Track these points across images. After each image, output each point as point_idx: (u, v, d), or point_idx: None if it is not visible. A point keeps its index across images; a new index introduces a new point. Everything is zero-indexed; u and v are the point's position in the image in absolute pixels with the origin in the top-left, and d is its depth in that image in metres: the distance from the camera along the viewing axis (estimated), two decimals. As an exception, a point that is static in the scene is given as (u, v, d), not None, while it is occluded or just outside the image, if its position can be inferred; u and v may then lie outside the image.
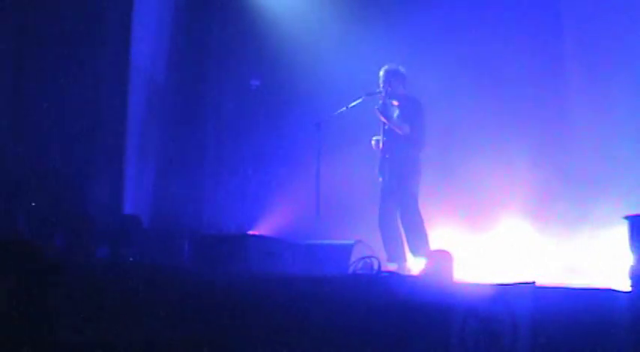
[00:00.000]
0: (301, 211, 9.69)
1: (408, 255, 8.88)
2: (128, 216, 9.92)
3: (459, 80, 10.22)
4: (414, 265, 8.63)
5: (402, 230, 8.95)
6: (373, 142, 9.12)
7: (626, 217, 5.69)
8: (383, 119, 8.90)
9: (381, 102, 8.98)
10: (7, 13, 9.79)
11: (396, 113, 8.99)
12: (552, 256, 9.05)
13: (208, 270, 7.78)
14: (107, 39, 10.52)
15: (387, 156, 9.00)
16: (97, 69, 10.34)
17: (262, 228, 10.56)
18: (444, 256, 6.97)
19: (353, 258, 7.85)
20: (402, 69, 9.11)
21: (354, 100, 9.18)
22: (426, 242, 8.83)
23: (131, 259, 8.79)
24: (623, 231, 5.79)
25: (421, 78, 9.47)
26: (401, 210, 8.94)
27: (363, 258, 7.60)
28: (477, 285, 6.03)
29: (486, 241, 9.67)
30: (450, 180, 10.04)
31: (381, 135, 9.03)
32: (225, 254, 7.86)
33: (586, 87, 9.82)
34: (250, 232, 10.21)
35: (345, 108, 9.22)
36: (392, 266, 8.58)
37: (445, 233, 9.66)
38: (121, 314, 6.46)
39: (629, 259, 5.57)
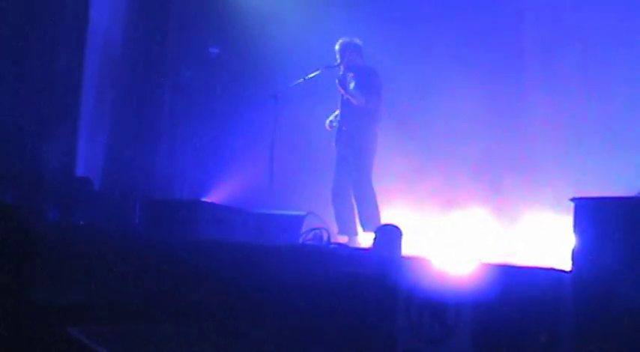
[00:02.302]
0: (255, 181, 9.69)
1: (359, 229, 8.94)
2: (80, 178, 9.87)
3: (416, 56, 10.25)
4: (364, 239, 8.68)
5: (354, 203, 9.00)
6: (327, 123, 9.17)
7: (572, 199, 5.76)
8: (341, 91, 8.93)
9: (341, 73, 9.00)
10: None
11: (352, 84, 9.02)
12: (500, 238, 9.14)
13: (158, 234, 7.78)
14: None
15: (343, 129, 9.04)
16: (55, 29, 10.21)
17: (215, 196, 10.55)
18: (393, 230, 7.02)
19: (304, 229, 7.88)
20: (357, 41, 9.13)
21: (312, 72, 9.20)
22: (377, 216, 8.88)
23: (81, 222, 8.76)
24: (569, 214, 5.86)
25: (379, 51, 9.49)
26: (354, 182, 8.98)
27: (314, 229, 7.64)
28: (424, 261, 6.10)
29: (437, 221, 9.73)
30: (406, 158, 10.05)
31: (339, 108, 9.07)
32: (175, 219, 7.85)
33: (540, 72, 9.89)
34: (202, 199, 10.19)
35: (302, 80, 9.25)
36: (342, 239, 8.63)
37: (397, 210, 9.71)
38: (68, 276, 6.46)
39: (572, 241, 5.64)
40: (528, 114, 9.85)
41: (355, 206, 9.00)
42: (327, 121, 9.20)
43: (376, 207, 8.96)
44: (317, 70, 9.18)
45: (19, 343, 3.67)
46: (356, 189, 8.98)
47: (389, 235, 6.95)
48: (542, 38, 9.96)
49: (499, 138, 9.81)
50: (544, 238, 8.71)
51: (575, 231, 5.59)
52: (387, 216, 9.12)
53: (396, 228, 7.11)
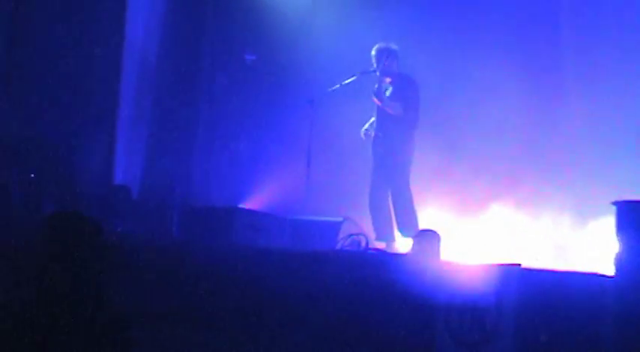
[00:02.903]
0: (291, 187, 9.66)
1: (397, 235, 8.89)
2: (118, 186, 9.90)
3: (453, 60, 10.17)
4: (403, 245, 8.63)
5: (392, 209, 8.96)
6: (362, 132, 9.13)
7: (614, 203, 5.68)
8: (377, 102, 8.90)
9: (376, 86, 8.96)
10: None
11: (389, 90, 8.99)
12: (541, 241, 9.03)
13: (195, 242, 7.78)
14: (102, 7, 10.44)
15: (379, 135, 9.00)
16: (92, 37, 10.26)
17: (252, 203, 10.53)
18: (431, 236, 6.98)
19: (341, 236, 7.83)
20: (394, 46, 9.08)
21: (348, 78, 9.17)
22: (415, 222, 8.83)
23: (119, 229, 8.78)
24: (611, 217, 5.78)
25: (416, 56, 9.44)
26: (392, 189, 8.95)
27: (351, 234, 7.59)
28: (463, 266, 6.05)
29: (476, 224, 9.64)
30: (442, 161, 9.96)
31: (375, 114, 9.04)
32: (212, 226, 7.86)
33: (581, 71, 9.79)
34: (239, 206, 10.18)
35: (338, 86, 9.22)
36: (380, 245, 8.59)
37: (435, 214, 9.63)
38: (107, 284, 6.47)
39: (615, 245, 5.56)
40: (565, 113, 9.76)
41: (393, 212, 8.95)
42: (363, 130, 9.16)
43: (414, 213, 8.93)
44: (353, 75, 9.15)
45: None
46: (394, 195, 8.95)
47: (427, 240, 6.91)
48: (580, 35, 9.87)
49: (536, 137, 9.72)
50: (585, 241, 8.61)
51: (617, 235, 5.52)
52: (424, 218, 9.08)
53: (435, 233, 7.06)
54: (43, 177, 9.23)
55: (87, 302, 3.63)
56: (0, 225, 7.22)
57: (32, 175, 9.03)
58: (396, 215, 8.93)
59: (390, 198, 8.99)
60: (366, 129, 9.13)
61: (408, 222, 8.81)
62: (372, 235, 8.67)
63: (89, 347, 3.57)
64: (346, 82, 9.17)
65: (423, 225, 8.76)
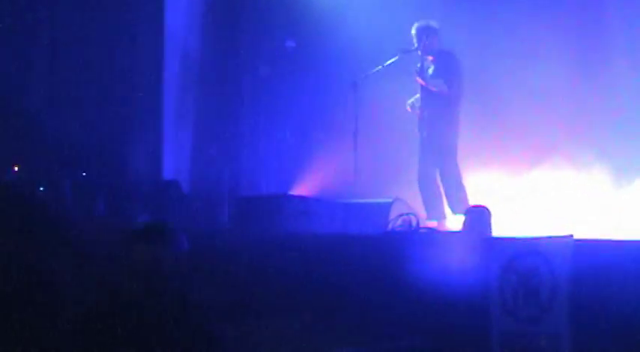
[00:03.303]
0: (339, 171, 9.67)
1: (448, 212, 8.87)
2: (168, 181, 9.99)
3: (491, 28, 10.03)
4: (454, 222, 8.61)
5: (441, 187, 8.94)
6: (408, 106, 9.10)
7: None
8: (421, 82, 8.87)
9: (419, 65, 8.92)
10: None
11: (431, 68, 8.94)
12: (596, 209, 8.91)
13: (248, 231, 7.84)
14: (142, 3, 10.53)
15: (425, 114, 8.97)
16: (132, 33, 10.37)
17: (301, 189, 10.56)
18: (481, 211, 6.94)
19: (391, 216, 7.82)
20: (434, 24, 9.02)
21: (389, 58, 9.14)
22: (466, 199, 8.79)
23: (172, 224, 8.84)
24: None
25: (455, 27, 9.35)
26: (440, 167, 8.93)
27: (402, 215, 7.58)
28: (515, 240, 6.01)
29: (528, 189, 9.54)
30: (491, 125, 9.86)
31: (419, 93, 9.00)
32: (263, 214, 7.90)
33: (628, 36, 9.62)
34: (288, 192, 10.23)
35: (380, 67, 9.20)
36: (431, 224, 8.57)
37: (485, 181, 9.58)
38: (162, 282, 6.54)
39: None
40: (609, 79, 9.60)
41: (442, 190, 8.92)
42: (409, 102, 9.12)
43: (464, 189, 8.90)
44: (395, 55, 9.12)
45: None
46: (442, 173, 8.92)
47: (478, 216, 6.88)
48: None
49: (588, 97, 9.55)
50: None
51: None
52: (476, 189, 9.04)
53: (485, 208, 7.03)
54: (94, 176, 9.36)
55: (173, 305, 3.66)
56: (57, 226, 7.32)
57: (84, 174, 9.15)
58: (445, 193, 8.91)
59: (438, 177, 8.97)
60: (412, 103, 9.09)
61: (457, 200, 8.77)
62: (423, 214, 8.67)
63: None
64: (388, 62, 9.15)
65: (473, 198, 8.73)
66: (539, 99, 9.67)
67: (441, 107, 8.87)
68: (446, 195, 8.91)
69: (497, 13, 10.02)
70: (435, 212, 8.83)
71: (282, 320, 6.02)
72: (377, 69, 9.24)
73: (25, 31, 9.84)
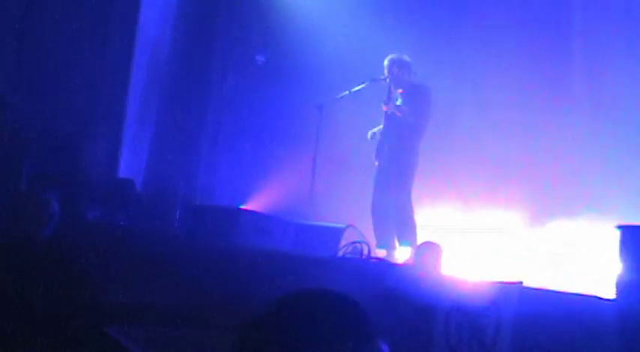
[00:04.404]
0: (296, 191, 9.70)
1: (397, 243, 8.93)
2: (123, 179, 9.92)
3: (464, 70, 10.19)
4: (401, 253, 8.67)
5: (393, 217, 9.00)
6: (369, 135, 9.16)
7: (618, 227, 5.71)
8: (387, 108, 8.93)
9: (386, 95, 8.99)
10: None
11: (399, 101, 9.01)
12: (544, 258, 9.04)
13: (198, 240, 7.80)
14: (116, 3, 10.47)
15: (385, 143, 9.03)
16: (104, 28, 10.29)
17: (255, 204, 10.56)
18: (433, 248, 7.01)
19: (343, 242, 7.86)
20: (406, 58, 9.11)
21: (358, 84, 9.21)
22: (414, 232, 8.87)
23: (122, 223, 8.79)
24: (614, 240, 5.81)
25: (426, 64, 9.45)
26: (394, 197, 8.97)
27: (354, 242, 7.61)
28: (464, 280, 6.07)
29: (480, 234, 9.66)
30: (449, 168, 9.99)
31: (383, 122, 9.06)
32: (216, 226, 7.86)
33: (589, 89, 9.80)
34: (243, 206, 10.21)
35: (348, 92, 9.25)
36: (381, 253, 8.62)
37: (440, 217, 9.69)
38: (106, 276, 6.49)
39: (617, 268, 5.60)
40: (572, 128, 9.76)
41: (394, 220, 8.98)
42: (370, 132, 9.19)
43: (413, 222, 8.97)
44: (363, 82, 9.19)
45: (59, 340, 3.69)
46: (395, 204, 8.96)
47: (429, 252, 6.94)
48: (588, 38, 9.88)
49: (541, 146, 9.70)
50: (587, 262, 8.61)
51: (620, 259, 5.55)
52: (427, 228, 9.12)
53: (436, 244, 7.10)
54: (47, 167, 9.25)
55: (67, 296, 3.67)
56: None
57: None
58: (396, 223, 8.96)
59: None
60: (373, 132, 9.17)
61: (406, 231, 8.85)
62: (373, 242, 8.72)
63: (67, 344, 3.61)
64: (356, 89, 9.21)
65: (425, 233, 8.82)
66: (501, 136, 9.80)
67: (403, 137, 8.94)
68: (396, 226, 8.96)
69: (467, 47, 10.18)
70: (385, 241, 8.88)
71: (210, 330, 6.00)
72: (344, 94, 9.29)
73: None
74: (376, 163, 9.09)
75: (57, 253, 5.62)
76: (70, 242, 5.79)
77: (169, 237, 8.23)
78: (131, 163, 10.53)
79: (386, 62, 9.07)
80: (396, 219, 8.95)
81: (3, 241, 3.85)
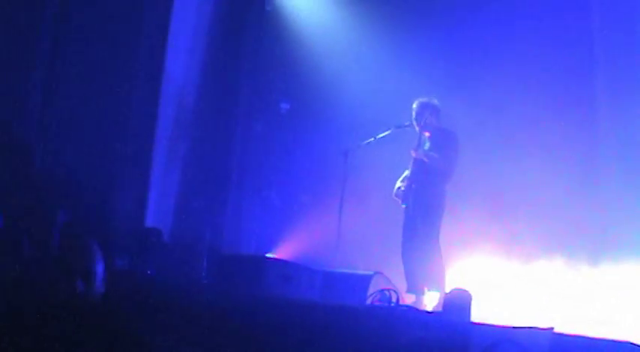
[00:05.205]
0: (323, 238, 9.68)
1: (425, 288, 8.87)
2: (150, 228, 9.93)
3: (494, 109, 10.17)
4: (429, 299, 8.61)
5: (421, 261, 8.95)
6: (394, 192, 9.12)
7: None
8: (416, 154, 8.91)
9: (417, 142, 8.98)
10: (46, 11, 9.85)
11: (427, 145, 9.00)
12: (577, 301, 8.94)
13: (225, 290, 7.78)
14: (142, 48, 10.54)
15: (412, 186, 9.00)
16: (130, 78, 10.36)
17: (282, 252, 10.55)
18: (462, 295, 6.94)
19: (371, 289, 7.83)
20: (435, 101, 9.10)
21: (383, 131, 9.22)
22: (442, 277, 8.81)
23: (149, 272, 8.80)
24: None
25: (455, 108, 9.44)
26: (421, 241, 8.91)
27: (382, 290, 7.58)
28: (494, 327, 6.01)
29: (515, 276, 9.61)
30: (480, 211, 9.95)
31: (410, 167, 9.04)
32: (242, 275, 7.86)
33: (617, 119, 9.78)
34: (269, 255, 10.20)
35: (373, 139, 9.26)
36: (410, 297, 8.57)
37: (470, 264, 9.65)
38: (132, 327, 6.48)
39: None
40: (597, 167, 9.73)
41: (421, 264, 8.92)
42: (395, 189, 9.15)
43: (442, 267, 8.89)
44: (388, 129, 9.19)
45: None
46: (423, 248, 8.90)
47: (459, 300, 6.87)
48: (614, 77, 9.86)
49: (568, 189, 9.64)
50: (622, 307, 8.52)
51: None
52: (458, 271, 9.08)
53: (466, 292, 7.03)
54: (75, 215, 9.28)
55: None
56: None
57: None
58: (424, 268, 8.90)
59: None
60: (397, 188, 9.13)
61: (434, 277, 8.77)
62: (403, 286, 8.68)
63: None
64: (381, 135, 9.22)
65: (456, 278, 8.77)
66: (533, 188, 9.76)
67: (430, 182, 8.90)
68: (423, 271, 8.89)
69: (501, 95, 10.16)
70: (415, 286, 8.82)
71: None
72: (369, 140, 9.30)
73: (22, 60, 9.83)
74: (403, 206, 9.04)
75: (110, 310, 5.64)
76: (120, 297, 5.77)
77: (196, 287, 8.22)
78: (158, 212, 10.54)
79: (415, 105, 9.07)
80: (424, 264, 8.88)
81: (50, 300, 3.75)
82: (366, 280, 8.05)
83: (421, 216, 8.91)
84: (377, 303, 7.47)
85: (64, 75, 9.95)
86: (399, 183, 9.13)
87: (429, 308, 8.34)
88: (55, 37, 9.96)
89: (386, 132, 9.20)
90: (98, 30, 9.99)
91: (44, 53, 9.89)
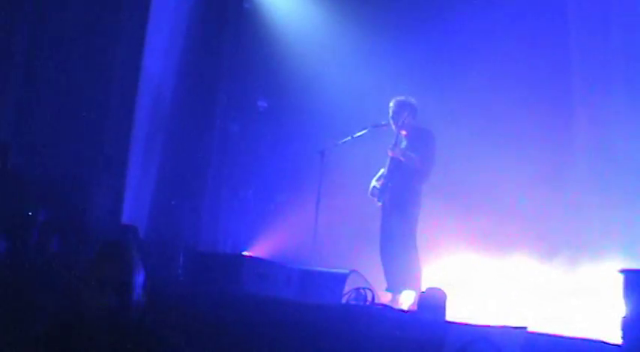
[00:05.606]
0: (299, 237, 9.70)
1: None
2: (126, 225, 9.91)
3: (468, 108, 10.23)
4: (405, 298, 8.64)
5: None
6: (370, 191, 9.14)
7: (622, 271, 5.72)
8: (393, 153, 8.92)
9: (394, 141, 8.99)
10: (23, 12, 9.83)
11: (403, 143, 9.02)
12: (549, 300, 9.01)
13: (201, 288, 7.77)
14: (120, 46, 10.53)
15: (389, 185, 9.02)
16: (108, 74, 10.36)
17: (258, 250, 10.56)
18: (437, 294, 6.98)
19: (347, 288, 7.84)
20: (412, 100, 9.12)
21: (360, 130, 9.23)
22: (418, 276, 8.83)
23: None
24: (619, 284, 5.82)
25: (429, 106, 9.47)
26: (398, 240, 8.93)
27: (357, 288, 7.61)
28: (469, 326, 6.05)
29: (485, 276, 9.65)
30: (454, 210, 10.00)
31: (387, 166, 9.05)
32: (219, 273, 7.85)
33: (593, 118, 9.85)
34: (246, 253, 10.21)
35: (350, 138, 9.28)
36: (386, 297, 8.60)
37: (445, 263, 9.69)
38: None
39: (621, 312, 5.59)
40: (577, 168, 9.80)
41: (398, 263, 8.95)
42: (370, 188, 9.17)
43: (418, 266, 8.92)
44: (365, 128, 9.21)
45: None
46: (399, 247, 8.92)
47: (434, 299, 6.91)
48: (589, 83, 9.93)
49: (548, 188, 9.70)
50: (592, 306, 8.57)
51: (625, 303, 5.55)
52: (435, 270, 9.11)
53: (441, 291, 7.06)
54: (50, 214, 9.25)
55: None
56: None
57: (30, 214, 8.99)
58: (400, 266, 8.92)
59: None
60: (373, 187, 9.15)
61: (410, 276, 8.80)
62: (381, 285, 8.71)
63: None
64: (357, 134, 9.24)
65: (432, 276, 8.80)
66: (509, 183, 9.81)
67: (406, 181, 8.92)
68: (400, 269, 8.92)
69: (475, 94, 10.21)
70: (393, 284, 8.85)
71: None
72: (346, 139, 9.31)
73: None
74: (379, 203, 9.07)
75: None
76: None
77: (173, 284, 8.21)
78: (134, 209, 10.54)
79: (391, 104, 9.09)
80: (400, 263, 8.91)
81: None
82: (342, 278, 8.06)
83: (397, 215, 8.93)
84: (352, 302, 7.49)
85: (40, 74, 9.93)
86: (374, 182, 9.15)
87: (405, 307, 8.38)
88: (32, 37, 9.93)
89: (363, 131, 9.22)
90: (75, 30, 9.99)
91: (21, 53, 9.87)
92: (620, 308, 5.69)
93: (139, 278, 3.76)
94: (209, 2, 11.30)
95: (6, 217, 8.33)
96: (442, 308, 6.83)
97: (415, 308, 7.54)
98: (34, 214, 8.61)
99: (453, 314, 7.00)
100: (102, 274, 3.62)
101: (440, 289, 7.03)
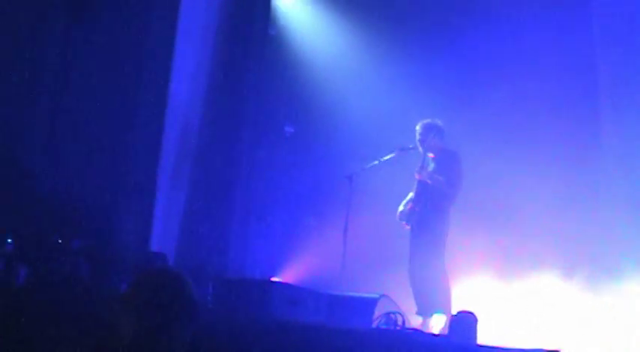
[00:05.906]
0: (328, 261, 9.68)
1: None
2: (155, 253, 9.92)
3: (493, 129, 10.20)
4: (436, 322, 8.59)
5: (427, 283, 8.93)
6: (398, 215, 9.12)
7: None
8: (420, 177, 8.92)
9: (421, 164, 8.98)
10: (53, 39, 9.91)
11: (431, 166, 9.01)
12: (581, 322, 8.91)
13: (230, 313, 7.76)
14: (147, 73, 10.58)
15: (416, 209, 9.00)
16: (135, 102, 10.39)
17: (287, 276, 10.55)
18: (468, 317, 6.93)
19: (377, 312, 7.81)
20: (438, 122, 9.13)
21: (387, 153, 9.24)
22: (448, 299, 8.80)
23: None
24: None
25: (454, 127, 9.45)
26: (426, 264, 8.89)
27: (388, 313, 7.57)
28: (500, 349, 6.00)
29: (517, 298, 9.59)
30: (485, 231, 9.94)
31: (414, 189, 9.04)
32: (248, 299, 7.84)
33: (620, 135, 9.79)
34: (275, 279, 10.19)
35: (377, 162, 9.29)
36: (417, 321, 8.56)
37: (474, 285, 9.64)
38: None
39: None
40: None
41: (428, 286, 8.91)
42: (398, 212, 9.15)
43: (448, 289, 8.88)
44: (392, 152, 9.22)
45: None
46: (428, 270, 8.89)
47: (465, 322, 6.86)
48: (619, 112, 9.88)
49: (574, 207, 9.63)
50: (625, 329, 8.48)
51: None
52: (463, 292, 9.06)
53: (472, 314, 7.01)
54: (79, 241, 9.27)
55: None
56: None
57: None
58: (429, 290, 8.89)
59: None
60: (401, 211, 9.14)
61: (440, 299, 8.77)
62: (411, 308, 8.67)
63: None
64: (385, 158, 9.26)
65: (461, 299, 8.75)
66: (539, 207, 9.75)
67: (434, 203, 8.91)
68: (429, 293, 8.88)
69: (500, 115, 10.19)
70: (422, 308, 8.80)
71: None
72: (373, 164, 9.33)
73: (28, 87, 9.86)
74: (407, 227, 9.04)
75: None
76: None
77: (203, 312, 8.19)
78: (163, 236, 10.54)
79: (418, 127, 9.10)
80: (430, 287, 8.87)
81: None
82: (372, 303, 8.04)
83: (425, 238, 8.91)
84: (383, 327, 7.45)
85: (69, 101, 9.98)
86: (402, 206, 9.14)
87: (435, 331, 8.32)
88: (60, 66, 10.01)
89: (390, 155, 9.25)
90: (102, 57, 10.04)
91: (49, 80, 9.94)
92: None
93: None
94: (235, 29, 11.33)
95: (30, 243, 8.35)
96: (473, 332, 6.77)
97: (446, 331, 7.48)
98: (64, 241, 8.63)
99: (484, 337, 6.95)
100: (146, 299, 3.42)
101: (471, 312, 6.98)
